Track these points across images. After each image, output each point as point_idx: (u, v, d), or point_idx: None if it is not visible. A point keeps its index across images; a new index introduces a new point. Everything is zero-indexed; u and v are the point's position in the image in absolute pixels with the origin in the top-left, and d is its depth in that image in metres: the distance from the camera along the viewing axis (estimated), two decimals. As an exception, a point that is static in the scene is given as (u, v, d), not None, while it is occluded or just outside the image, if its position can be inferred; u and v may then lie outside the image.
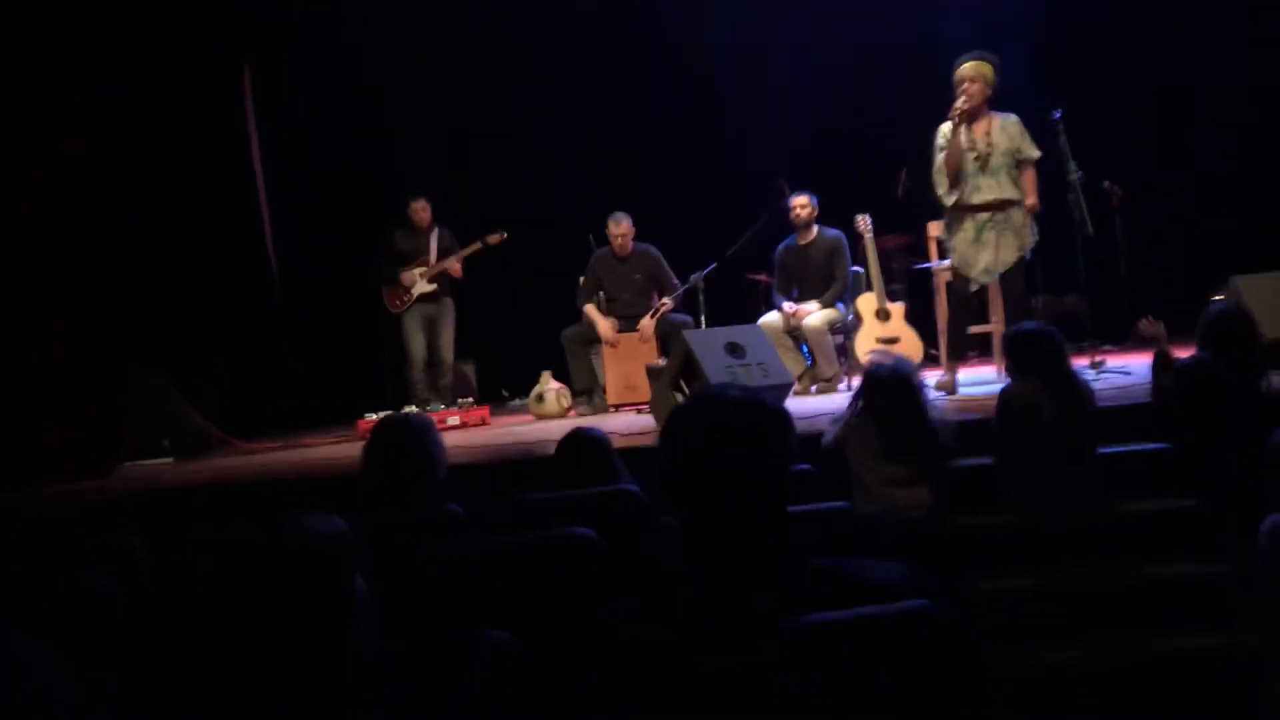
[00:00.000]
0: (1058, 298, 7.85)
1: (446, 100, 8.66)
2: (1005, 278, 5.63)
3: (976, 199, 5.54)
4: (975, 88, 5.50)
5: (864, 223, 6.71)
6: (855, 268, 6.99)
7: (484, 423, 6.91)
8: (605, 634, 1.70)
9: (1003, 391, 4.18)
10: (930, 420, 3.91)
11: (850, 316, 6.79)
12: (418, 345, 7.31)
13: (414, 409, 6.64)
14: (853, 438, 3.93)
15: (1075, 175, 5.75)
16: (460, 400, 7.16)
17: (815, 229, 6.93)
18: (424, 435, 3.45)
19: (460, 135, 8.66)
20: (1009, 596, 3.85)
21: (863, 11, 8.38)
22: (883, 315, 6.57)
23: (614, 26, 8.66)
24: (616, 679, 1.63)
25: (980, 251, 5.58)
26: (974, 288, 5.70)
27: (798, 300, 6.85)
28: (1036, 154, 5.58)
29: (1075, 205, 5.73)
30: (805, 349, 6.79)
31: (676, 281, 7.06)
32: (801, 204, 6.91)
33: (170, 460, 6.48)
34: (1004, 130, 5.56)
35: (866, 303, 6.62)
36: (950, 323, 5.93)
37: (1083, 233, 5.76)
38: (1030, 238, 5.58)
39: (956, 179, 5.54)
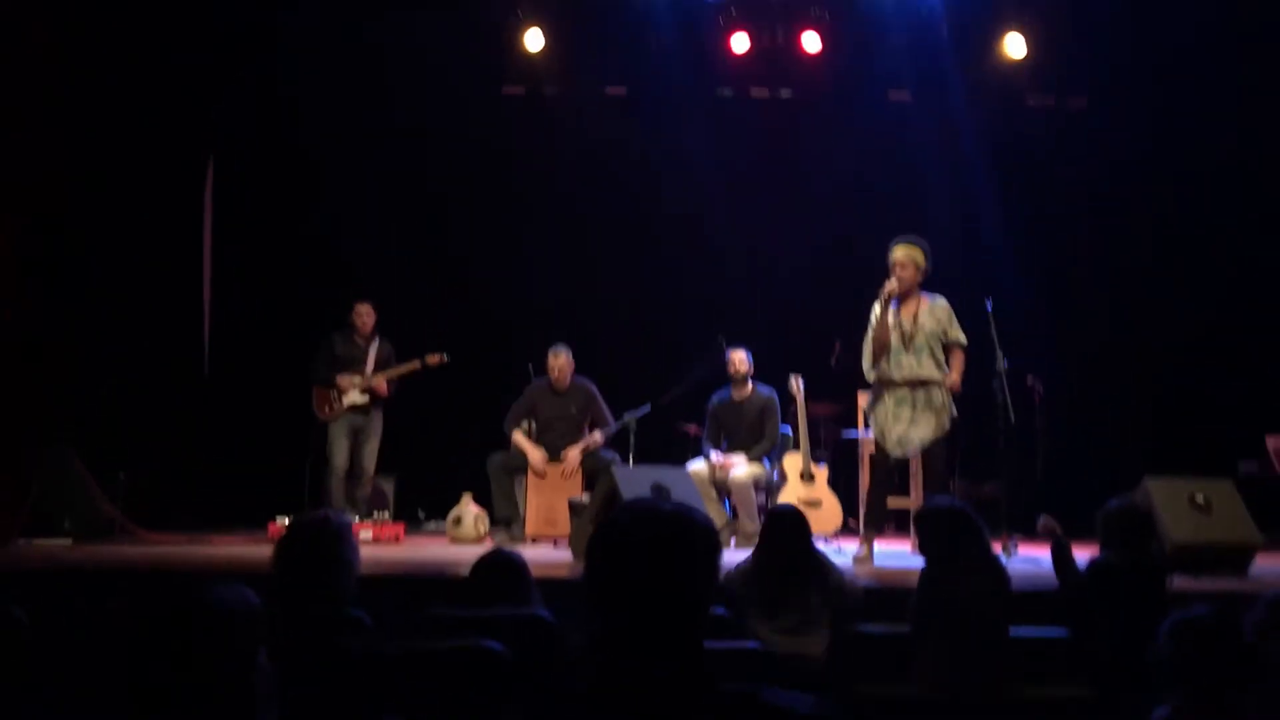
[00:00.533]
0: (976, 484, 8.05)
1: (399, 214, 8.80)
2: (927, 454, 5.79)
3: (897, 375, 5.78)
4: (907, 272, 5.78)
5: (797, 383, 6.88)
6: (784, 427, 7.11)
7: (397, 539, 6.80)
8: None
9: (924, 568, 4.24)
10: (827, 570, 3.99)
11: (775, 475, 6.87)
12: (340, 454, 7.21)
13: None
14: (740, 580, 3.97)
15: (1002, 364, 5.97)
16: (376, 514, 7.05)
17: (750, 385, 7.07)
18: (340, 538, 3.41)
19: (409, 249, 8.78)
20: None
21: (812, 191, 8.76)
22: (807, 477, 6.67)
23: (566, 175, 8.93)
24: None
25: (896, 425, 5.79)
26: (891, 460, 5.87)
27: (726, 451, 6.93)
28: (963, 339, 5.82)
29: (999, 391, 5.93)
30: (728, 503, 6.84)
31: (610, 419, 7.11)
32: (739, 359, 7.07)
33: (68, 542, 6.25)
34: (932, 313, 5.82)
35: (792, 462, 6.72)
36: (870, 492, 6.06)
37: (1005, 420, 5.94)
38: (948, 418, 5.75)
39: (880, 354, 5.80)
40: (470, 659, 2.52)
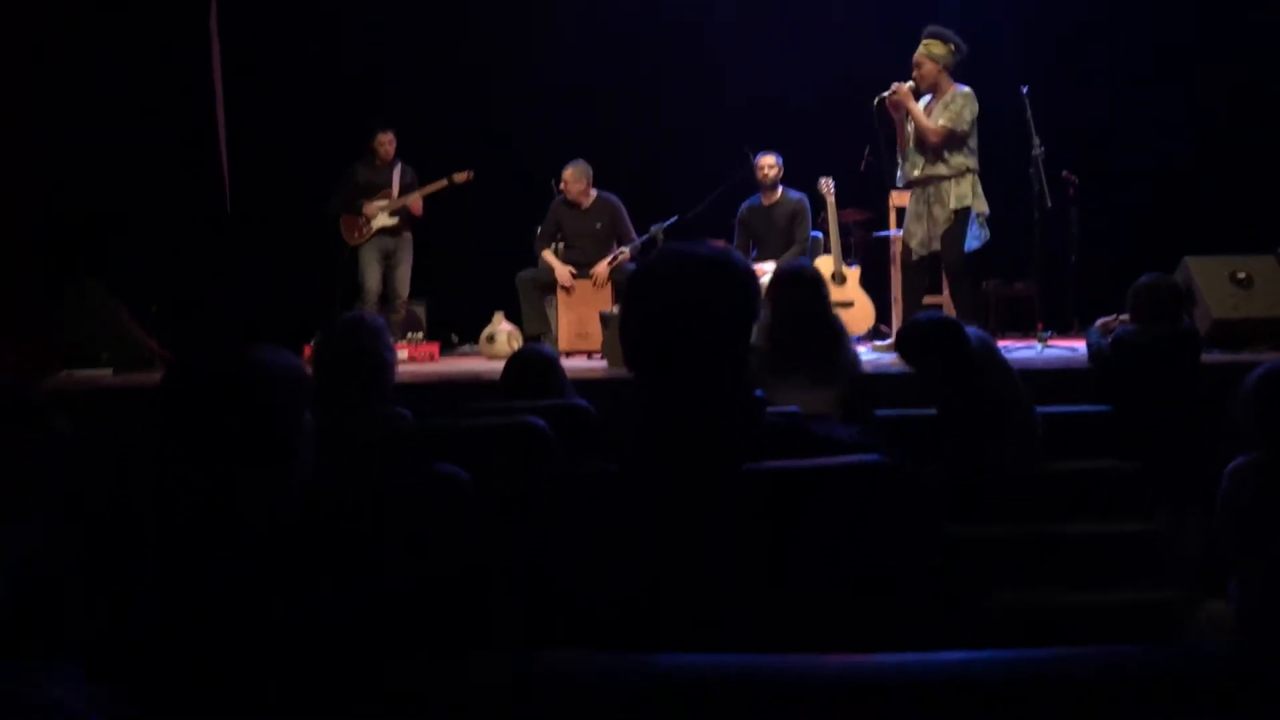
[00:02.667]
0: (1008, 283, 7.97)
1: (418, 36, 8.55)
2: (942, 243, 5.76)
3: (914, 174, 5.80)
4: (921, 71, 5.72)
5: (827, 185, 6.74)
6: (815, 232, 7.01)
7: (432, 358, 6.85)
8: (559, 475, 1.69)
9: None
10: (842, 336, 3.98)
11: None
12: (373, 278, 7.21)
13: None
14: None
15: (1038, 150, 5.82)
16: (410, 335, 7.09)
17: (780, 190, 6.95)
18: (377, 337, 3.42)
19: (430, 72, 8.56)
20: (946, 545, 3.90)
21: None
22: (838, 279, 6.60)
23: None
24: (568, 511, 1.63)
25: (917, 225, 5.82)
26: (914, 258, 5.89)
27: (755, 261, 6.86)
28: (946, 124, 5.66)
29: (1035, 179, 5.80)
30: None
31: (634, 234, 7.03)
32: (768, 164, 6.92)
33: (109, 372, 6.34)
34: (945, 107, 5.70)
35: (824, 265, 6.64)
36: (903, 289, 6.04)
37: (1040, 206, 5.82)
38: (954, 202, 5.68)
39: (903, 156, 5.82)
40: (512, 431, 2.54)
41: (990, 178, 5.85)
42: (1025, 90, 5.93)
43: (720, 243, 7.17)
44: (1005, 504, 4.00)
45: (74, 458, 2.48)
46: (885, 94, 5.77)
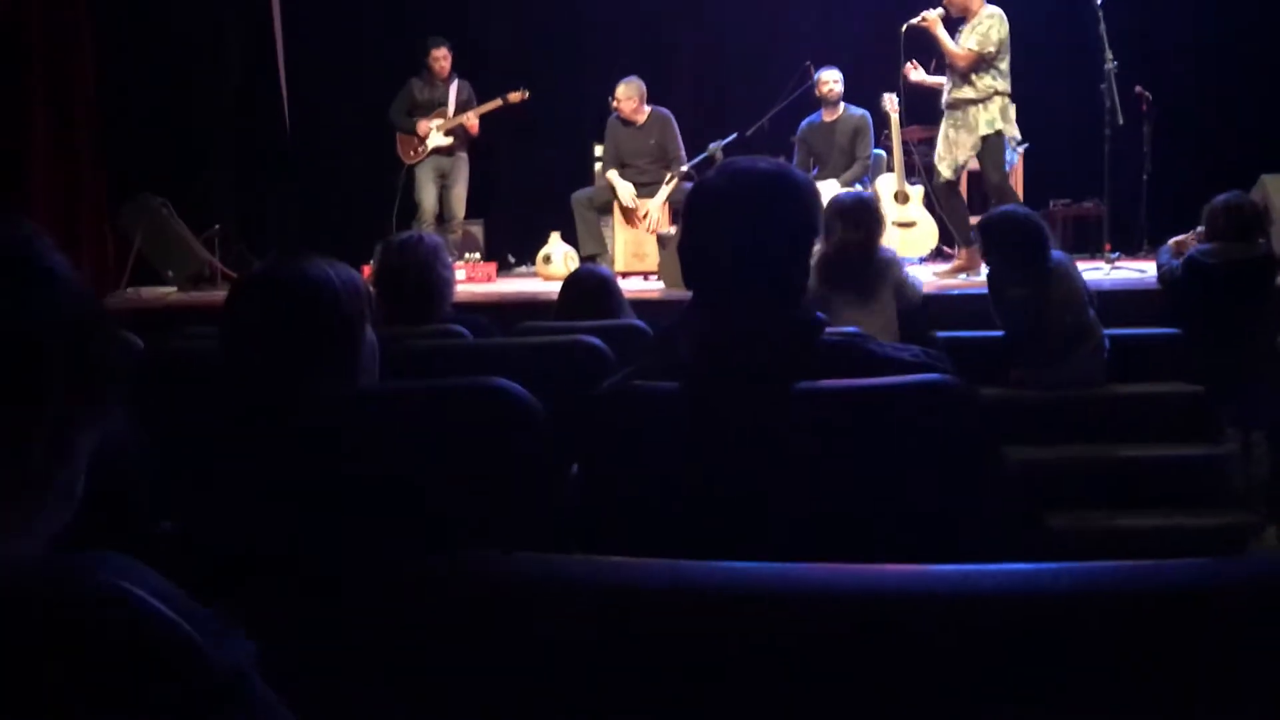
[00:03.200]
0: (1076, 203, 7.78)
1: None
2: (982, 167, 5.77)
3: (945, 99, 5.79)
4: None
5: (891, 102, 6.56)
6: (877, 150, 6.87)
7: (489, 279, 6.87)
8: (615, 391, 1.68)
9: (989, 276, 4.23)
10: (891, 262, 4.01)
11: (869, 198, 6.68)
12: (429, 198, 7.20)
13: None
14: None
15: (1110, 64, 5.62)
16: (467, 255, 7.11)
17: (841, 107, 6.80)
18: (435, 255, 3.42)
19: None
20: (1008, 467, 3.86)
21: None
22: (901, 198, 6.47)
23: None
24: (623, 427, 1.62)
25: (945, 148, 5.83)
26: (941, 180, 5.89)
27: (815, 178, 6.75)
28: (975, 46, 5.60)
29: (1107, 94, 5.62)
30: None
31: (683, 150, 6.91)
32: (831, 79, 6.77)
33: (173, 290, 6.45)
34: (973, 30, 5.62)
35: (885, 184, 6.51)
36: (944, 211, 6.08)
37: (1112, 123, 5.65)
38: (983, 128, 5.62)
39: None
40: (570, 349, 2.54)
41: (1060, 93, 5.69)
42: (1099, 2, 5.71)
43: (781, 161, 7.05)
44: (1069, 426, 3.96)
45: (145, 371, 2.53)
46: (914, 20, 5.74)
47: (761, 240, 1.65)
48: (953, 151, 5.78)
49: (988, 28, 5.59)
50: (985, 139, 5.63)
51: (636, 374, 1.69)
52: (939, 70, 6.00)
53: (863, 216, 4.00)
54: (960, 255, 6.01)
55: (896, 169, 6.54)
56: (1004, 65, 5.61)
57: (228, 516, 1.42)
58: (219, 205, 7.27)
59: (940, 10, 5.70)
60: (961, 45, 5.62)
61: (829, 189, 6.59)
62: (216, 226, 6.83)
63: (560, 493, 1.67)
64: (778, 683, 1.14)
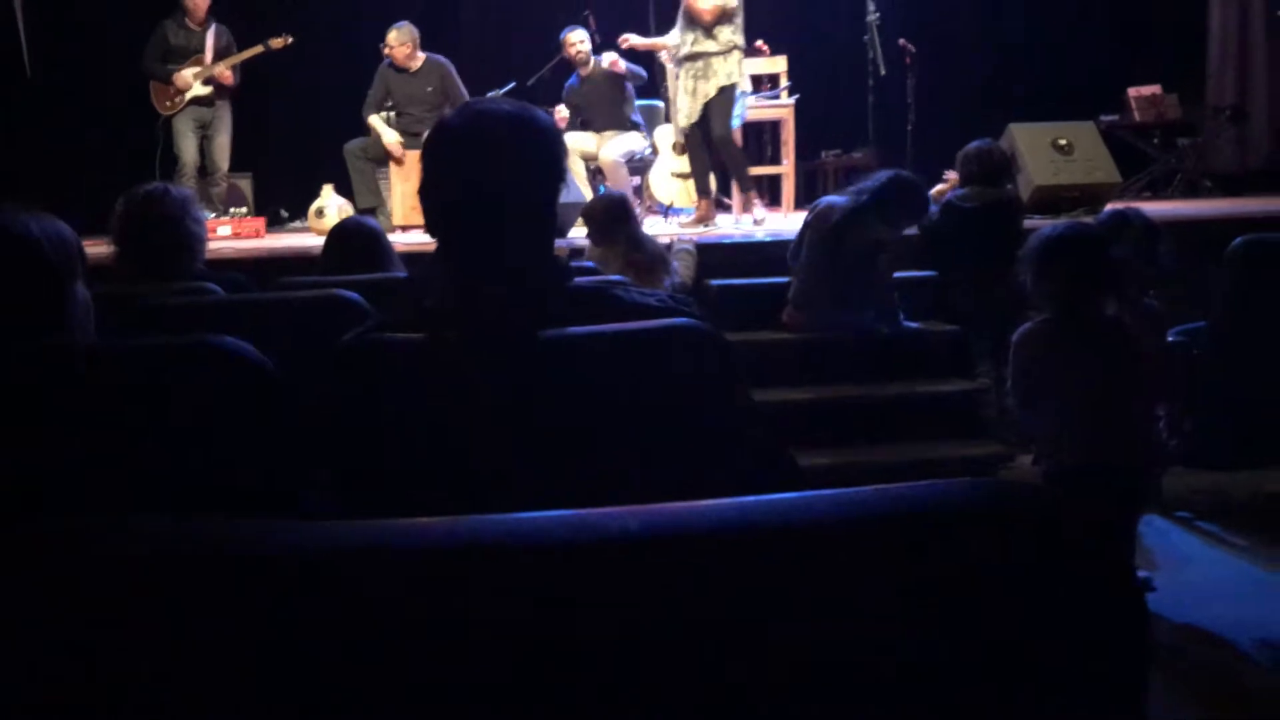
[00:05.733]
0: (846, 153, 8.05)
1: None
2: (708, 116, 5.82)
3: (684, 51, 5.85)
4: None
5: (669, 55, 6.58)
6: (654, 101, 6.90)
7: (258, 234, 6.55)
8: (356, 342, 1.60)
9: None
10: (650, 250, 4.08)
11: (648, 149, 6.71)
12: (189, 150, 6.79)
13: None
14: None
15: (873, 16, 5.81)
16: (233, 210, 6.75)
17: (593, 62, 6.77)
18: (183, 208, 3.23)
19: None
20: (776, 408, 3.97)
21: None
22: (679, 149, 6.52)
23: None
24: (362, 380, 1.55)
25: (685, 100, 5.89)
26: (682, 133, 5.98)
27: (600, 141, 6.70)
28: (718, 2, 5.71)
29: (870, 45, 5.80)
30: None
31: (466, 95, 6.77)
32: (579, 39, 6.74)
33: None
34: None
35: (664, 135, 6.56)
36: (691, 164, 6.12)
37: (874, 73, 5.85)
38: (723, 79, 5.74)
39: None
40: (321, 303, 2.42)
41: (825, 45, 5.83)
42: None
43: (559, 112, 7.00)
44: (833, 368, 4.09)
45: None
46: None
47: (504, 181, 1.60)
48: (691, 103, 5.84)
49: None
50: (722, 89, 5.75)
51: (382, 326, 1.62)
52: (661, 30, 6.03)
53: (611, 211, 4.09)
54: (700, 207, 6.09)
55: (674, 120, 6.58)
56: (740, 20, 5.76)
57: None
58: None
59: None
60: (708, 6, 5.69)
61: (614, 148, 6.58)
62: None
63: (297, 454, 1.59)
64: (546, 634, 1.10)
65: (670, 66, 6.63)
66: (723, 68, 5.73)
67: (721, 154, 6.01)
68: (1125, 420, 2.66)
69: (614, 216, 4.09)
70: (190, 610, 0.63)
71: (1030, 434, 2.92)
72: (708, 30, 5.73)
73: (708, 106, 5.79)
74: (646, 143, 6.74)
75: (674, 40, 5.93)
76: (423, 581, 1.14)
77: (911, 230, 4.29)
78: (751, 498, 1.19)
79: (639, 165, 6.72)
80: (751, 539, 1.12)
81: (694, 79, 5.82)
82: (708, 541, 1.11)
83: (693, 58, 5.81)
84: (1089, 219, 4.13)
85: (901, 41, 7.35)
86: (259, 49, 6.84)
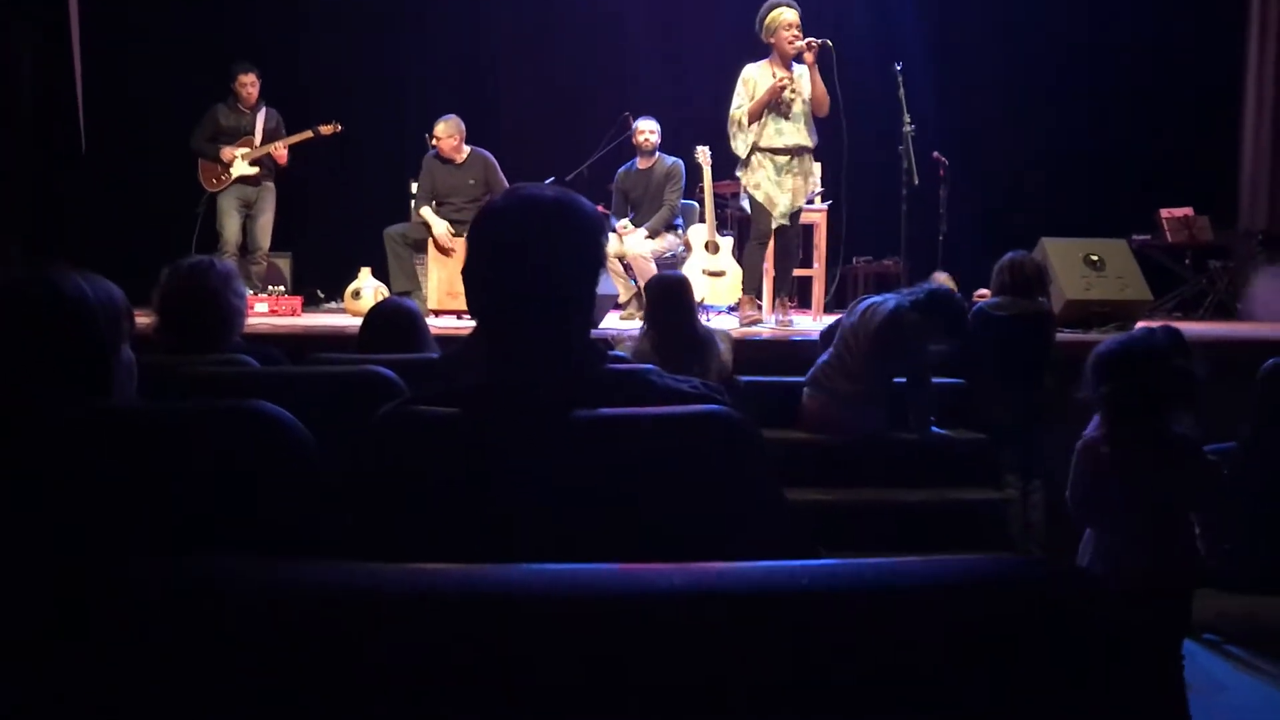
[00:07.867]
0: (876, 259, 8.14)
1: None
2: (793, 219, 5.81)
3: (779, 142, 5.66)
4: (799, 33, 5.58)
5: (704, 154, 6.72)
6: (690, 201, 7.01)
7: (294, 313, 6.65)
8: (390, 416, 1.62)
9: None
10: (710, 342, 4.04)
11: (681, 248, 6.81)
12: (232, 228, 6.94)
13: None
14: (636, 348, 4.03)
15: (909, 127, 5.91)
16: (271, 288, 6.87)
17: (657, 155, 6.92)
18: (224, 282, 3.29)
19: (300, 15, 8.27)
20: (800, 507, 3.95)
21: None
22: (712, 248, 6.62)
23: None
24: (398, 451, 1.57)
25: (781, 193, 5.71)
26: (774, 225, 5.77)
27: (633, 224, 6.83)
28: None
29: (905, 155, 5.89)
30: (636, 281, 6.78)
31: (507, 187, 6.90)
32: (649, 129, 6.89)
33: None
34: (802, 78, 5.66)
35: (697, 234, 6.65)
36: (757, 260, 6.00)
37: (909, 183, 5.93)
38: (815, 176, 5.78)
39: (758, 118, 5.63)
40: (356, 379, 2.46)
41: (861, 153, 5.92)
42: (899, 66, 6.01)
43: (600, 208, 7.11)
44: (856, 470, 4.08)
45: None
46: (810, 41, 5.57)
47: (546, 266, 1.64)
48: (790, 199, 5.73)
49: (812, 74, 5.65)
50: (811, 188, 5.74)
51: (417, 400, 1.65)
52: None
53: (670, 295, 4.02)
54: (749, 303, 6.07)
55: (708, 219, 6.69)
56: None
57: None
58: (13, 224, 6.81)
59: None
60: (806, 98, 5.61)
61: (640, 237, 6.69)
62: (12, 248, 6.40)
63: (330, 521, 1.60)
64: (592, 682, 1.10)
65: (706, 168, 6.74)
66: (815, 167, 5.72)
67: (791, 256, 5.96)
68: (1185, 535, 2.65)
69: (675, 294, 4.05)
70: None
71: (1081, 543, 2.87)
72: (809, 124, 5.66)
73: (795, 209, 5.72)
74: (679, 242, 6.84)
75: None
76: (502, 624, 1.14)
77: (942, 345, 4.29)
78: (800, 561, 1.18)
79: (670, 262, 6.81)
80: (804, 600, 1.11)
81: (792, 174, 5.70)
82: (761, 601, 1.11)
83: (795, 152, 5.69)
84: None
85: (935, 155, 7.49)
86: (308, 134, 7.03)
